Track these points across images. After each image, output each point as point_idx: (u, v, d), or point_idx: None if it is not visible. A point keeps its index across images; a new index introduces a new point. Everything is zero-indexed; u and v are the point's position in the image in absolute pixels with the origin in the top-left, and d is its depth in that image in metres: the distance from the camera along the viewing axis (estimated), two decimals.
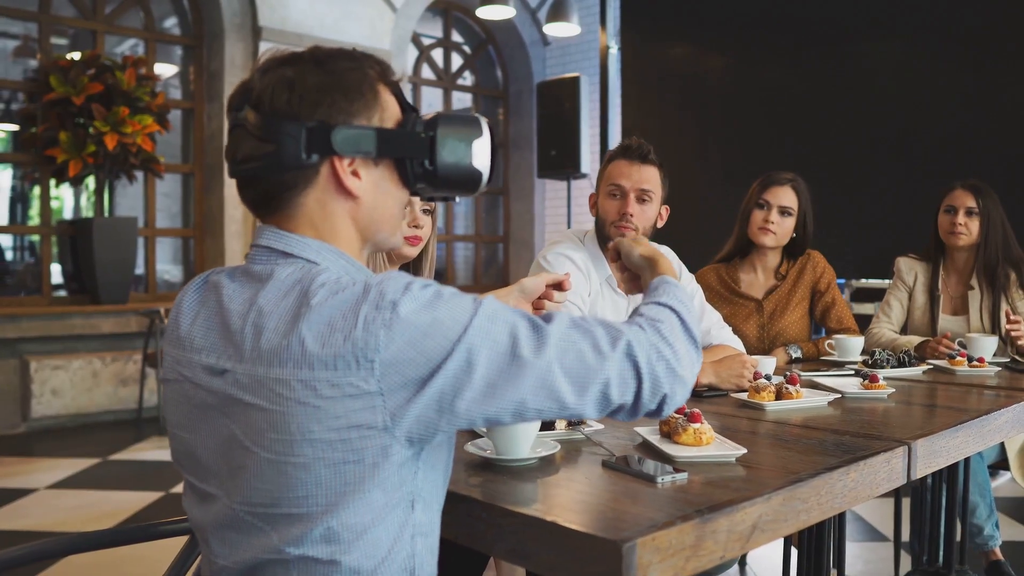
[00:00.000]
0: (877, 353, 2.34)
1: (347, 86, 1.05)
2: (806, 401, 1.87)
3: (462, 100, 8.63)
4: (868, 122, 4.85)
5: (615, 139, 6.23)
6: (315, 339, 0.93)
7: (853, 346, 2.51)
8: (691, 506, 1.13)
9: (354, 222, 1.09)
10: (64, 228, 6.06)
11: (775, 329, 2.77)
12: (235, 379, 0.97)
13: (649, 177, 2.25)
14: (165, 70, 7.06)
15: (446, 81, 8.19)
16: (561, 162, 6.60)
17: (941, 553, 2.58)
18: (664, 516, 1.08)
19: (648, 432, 1.52)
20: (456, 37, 8.31)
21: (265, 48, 6.28)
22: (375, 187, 1.09)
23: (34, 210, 5.99)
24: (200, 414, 1.02)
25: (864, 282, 5.11)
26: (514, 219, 8.68)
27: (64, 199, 6.95)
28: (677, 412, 1.48)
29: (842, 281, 4.94)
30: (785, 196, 2.74)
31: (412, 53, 7.87)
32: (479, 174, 1.13)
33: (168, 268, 7.14)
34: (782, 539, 3.00)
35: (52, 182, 5.87)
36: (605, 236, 2.28)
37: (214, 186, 6.46)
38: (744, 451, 1.38)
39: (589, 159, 6.57)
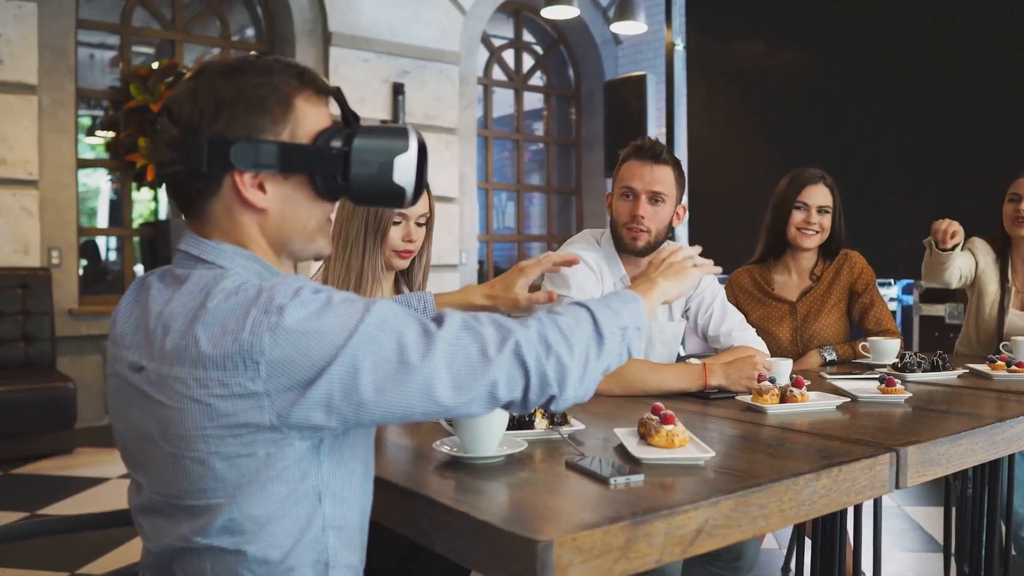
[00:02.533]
0: (907, 356, 2.25)
1: (251, 100, 1.05)
2: (811, 405, 1.81)
3: (534, 100, 8.65)
4: (942, 119, 4.66)
5: (681, 138, 6.13)
6: (208, 340, 0.97)
7: (888, 349, 2.42)
8: (631, 508, 1.12)
9: (262, 232, 1.10)
10: (146, 230, 6.33)
11: (809, 331, 2.69)
12: (147, 376, 1.02)
13: (662, 178, 2.21)
14: None
15: (517, 82, 8.22)
16: None
17: (982, 564, 2.45)
18: (595, 517, 1.08)
19: (625, 433, 1.50)
20: (527, 37, 8.33)
21: (335, 53, 6.48)
22: (284, 200, 1.09)
23: (129, 213, 6.27)
24: (127, 407, 1.06)
25: None
26: (587, 218, 8.65)
27: (161, 201, 7.24)
28: (653, 413, 1.46)
29: (909, 282, 4.75)
30: (820, 194, 2.66)
31: (483, 54, 7.92)
32: (400, 190, 1.11)
33: None
34: (791, 528, 2.93)
35: (133, 186, 6.14)
36: (619, 237, 2.26)
37: None
38: (712, 454, 1.35)
39: None
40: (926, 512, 3.75)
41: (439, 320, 1.04)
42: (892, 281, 5.59)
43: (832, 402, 1.83)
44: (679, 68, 6.04)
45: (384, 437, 1.57)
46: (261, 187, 1.08)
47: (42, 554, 3.22)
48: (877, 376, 2.00)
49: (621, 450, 1.44)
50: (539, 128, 8.98)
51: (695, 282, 1.45)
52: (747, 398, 1.85)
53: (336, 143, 1.10)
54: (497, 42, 8.09)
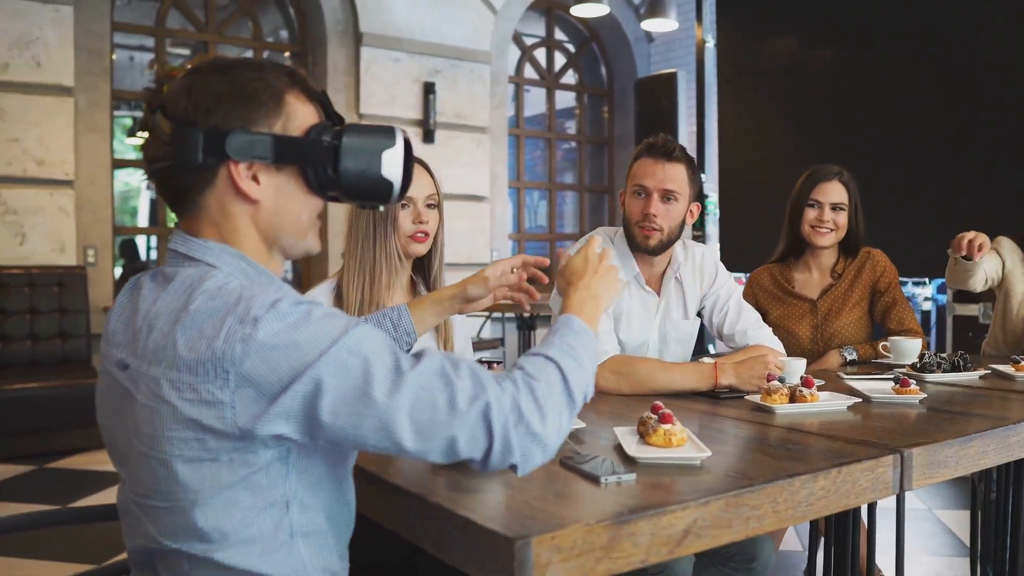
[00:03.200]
0: (927, 356, 2.20)
1: (246, 94, 1.08)
2: (821, 405, 1.78)
3: (566, 99, 8.63)
4: (976, 117, 4.56)
5: (712, 135, 6.08)
6: (185, 343, 0.99)
7: (909, 349, 2.37)
8: (618, 507, 1.11)
9: (255, 225, 1.13)
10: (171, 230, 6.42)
11: (830, 330, 2.65)
12: (130, 374, 1.04)
13: (674, 176, 2.19)
14: None
15: (549, 80, 8.21)
16: None
17: (1006, 568, 2.40)
18: (578, 515, 1.07)
19: (624, 432, 1.49)
20: (559, 35, 8.31)
21: (366, 53, 6.51)
22: (277, 192, 1.12)
23: (165, 212, 6.38)
24: (114, 403, 1.08)
25: None
26: (619, 217, 8.59)
27: None
28: (652, 411, 1.45)
29: (944, 280, 4.65)
30: (835, 191, 2.62)
31: (514, 53, 7.92)
32: (389, 184, 1.14)
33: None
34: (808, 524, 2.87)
35: None
36: (631, 236, 2.24)
37: None
38: (708, 454, 1.33)
39: None
40: (955, 515, 3.68)
41: (418, 357, 1.04)
42: (927, 280, 5.48)
43: (843, 403, 1.80)
44: (710, 65, 6.00)
45: None
46: (255, 179, 1.10)
47: (70, 545, 3.28)
48: (892, 376, 1.96)
49: (619, 449, 1.43)
50: (571, 127, 8.95)
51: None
52: (756, 398, 1.82)
53: (328, 138, 1.13)
54: (529, 41, 8.08)
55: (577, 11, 6.45)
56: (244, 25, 6.63)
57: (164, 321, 1.02)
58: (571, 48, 8.41)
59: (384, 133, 1.15)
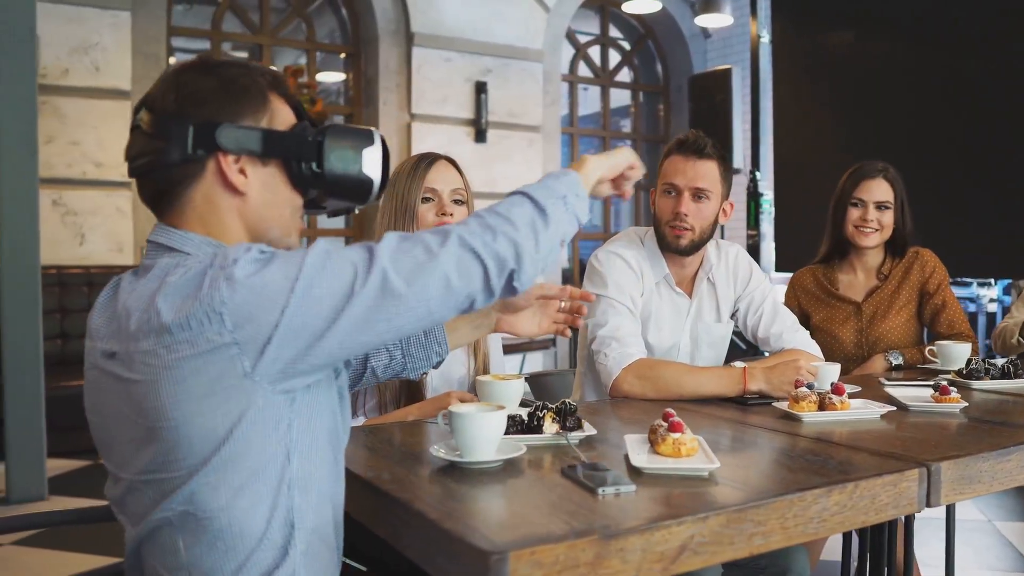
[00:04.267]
0: (974, 362, 2.08)
1: (234, 89, 1.11)
2: (853, 413, 1.70)
3: (621, 97, 8.53)
4: None
5: (767, 132, 5.93)
6: (168, 308, 1.00)
7: (957, 353, 2.25)
8: (610, 520, 1.06)
9: (241, 218, 1.14)
10: None
11: (875, 334, 2.53)
12: (120, 360, 1.04)
13: (705, 173, 2.12)
14: (334, 78, 7.46)
15: (604, 78, 8.12)
16: None
17: None
18: (565, 528, 1.02)
19: (635, 440, 1.43)
20: (614, 33, 8.21)
21: (418, 53, 6.53)
22: (263, 186, 1.14)
23: None
24: (103, 396, 1.09)
25: None
26: None
27: None
28: (663, 419, 1.39)
29: (1009, 281, 4.46)
30: (879, 189, 2.50)
31: (568, 51, 7.86)
32: (369, 181, 1.18)
33: None
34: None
35: None
36: (661, 235, 2.18)
37: None
38: (716, 465, 1.27)
39: (742, 154, 6.30)
40: (1017, 528, 3.51)
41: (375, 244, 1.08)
42: (992, 281, 5.26)
43: (877, 411, 1.71)
44: (765, 61, 5.85)
45: (387, 439, 1.55)
46: (242, 172, 1.13)
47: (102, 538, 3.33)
48: (932, 383, 1.86)
49: (628, 458, 1.38)
50: (627, 125, 8.86)
51: (626, 159, 1.32)
52: (784, 405, 1.74)
53: (310, 135, 1.16)
54: (583, 38, 8.01)
55: (629, 7, 6.37)
56: (298, 27, 6.70)
57: (142, 300, 1.03)
58: (626, 45, 8.31)
59: (363, 134, 1.19)
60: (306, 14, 6.64)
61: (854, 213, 2.52)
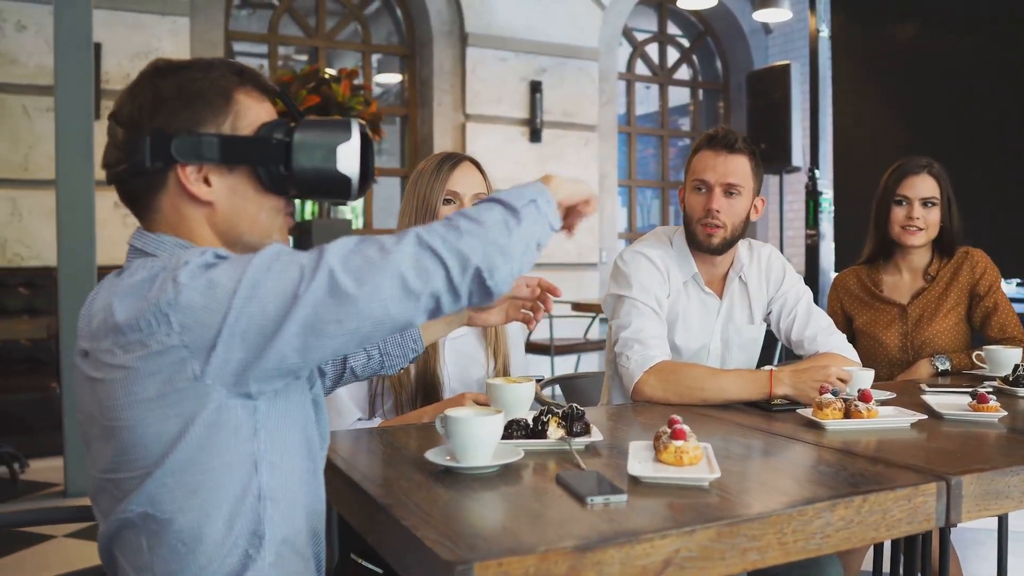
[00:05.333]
0: (1021, 368, 1.97)
1: (190, 94, 1.08)
2: (880, 422, 1.62)
3: (679, 95, 8.41)
4: None
5: (826, 130, 5.76)
6: (121, 308, 1.00)
7: (1005, 359, 2.14)
8: (592, 531, 1.02)
9: (211, 226, 1.12)
10: (291, 230, 6.61)
11: (921, 337, 2.42)
12: (89, 358, 1.05)
13: (736, 168, 2.05)
14: (391, 79, 7.51)
15: (662, 76, 8.01)
16: (771, 155, 6.21)
17: None
18: (538, 539, 0.98)
19: (639, 447, 1.38)
20: (672, 30, 8.09)
21: (472, 53, 6.53)
22: (231, 193, 1.11)
23: None
24: (80, 394, 1.09)
25: None
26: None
27: (306, 202, 7.57)
28: (668, 424, 1.34)
29: None
30: (924, 186, 2.39)
31: (625, 49, 7.77)
32: (346, 179, 1.12)
33: None
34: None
35: None
36: (692, 234, 2.11)
37: None
38: (717, 475, 1.22)
39: (801, 152, 6.14)
40: None
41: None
42: None
43: (907, 420, 1.63)
44: (824, 56, 5.69)
45: (391, 442, 1.53)
46: (207, 181, 1.10)
47: None
48: (970, 391, 1.76)
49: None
50: (685, 123, 8.72)
51: (586, 191, 1.21)
52: (809, 412, 1.67)
53: (279, 135, 1.11)
54: (640, 36, 7.91)
55: (686, 4, 6.27)
56: (353, 29, 6.76)
57: (104, 300, 1.03)
58: (685, 42, 8.18)
59: (338, 127, 1.12)
60: (362, 17, 6.70)
61: (899, 212, 2.42)
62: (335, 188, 1.12)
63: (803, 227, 5.76)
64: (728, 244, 2.10)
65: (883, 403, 1.79)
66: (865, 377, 1.84)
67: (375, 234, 5.27)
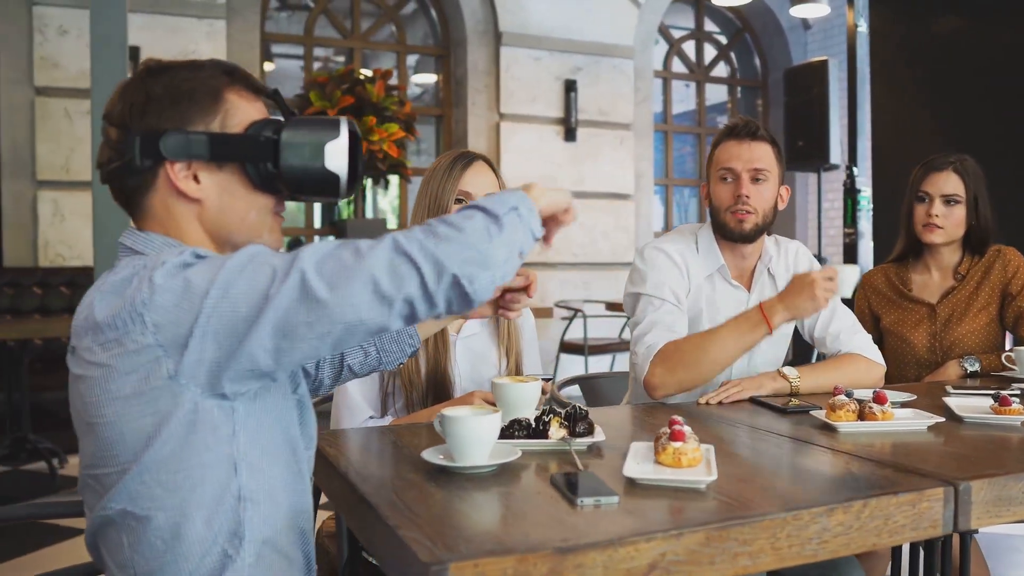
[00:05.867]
0: None
1: (178, 93, 1.09)
2: (896, 424, 1.57)
3: (717, 92, 8.32)
4: None
5: (865, 128, 5.65)
6: (102, 306, 1.02)
7: None
8: (577, 533, 1.00)
9: (201, 223, 1.13)
10: (326, 229, 6.68)
11: (951, 338, 2.36)
12: (75, 355, 1.07)
13: (762, 155, 2.04)
14: (428, 79, 7.55)
15: (699, 74, 7.93)
16: (809, 153, 6.12)
17: None
18: (521, 541, 0.97)
19: (639, 448, 1.36)
20: (709, 26, 8.01)
21: (506, 53, 6.53)
22: (220, 190, 1.12)
23: (311, 213, 6.67)
24: (71, 391, 1.10)
25: None
26: (791, 210, 8.21)
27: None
28: (669, 425, 1.31)
29: None
30: (947, 183, 2.33)
31: (662, 47, 7.71)
32: (334, 176, 1.12)
33: None
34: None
35: None
36: (721, 225, 2.08)
37: None
38: (713, 478, 1.19)
39: (840, 149, 6.03)
40: None
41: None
42: None
43: (924, 422, 1.58)
44: (863, 52, 5.58)
45: (394, 441, 1.52)
46: (196, 178, 1.11)
47: None
48: (992, 393, 1.71)
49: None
50: (723, 121, 8.62)
51: (567, 199, 1.20)
52: (821, 414, 1.63)
53: (268, 133, 1.12)
54: (677, 33, 7.84)
55: (721, 0, 6.18)
56: (388, 30, 6.80)
57: (87, 299, 1.05)
58: (722, 39, 8.09)
59: (327, 125, 1.13)
60: (397, 18, 6.73)
61: (920, 209, 2.37)
62: (323, 186, 1.13)
63: (841, 225, 5.66)
64: (760, 231, 2.07)
65: (903, 404, 1.75)
66: (850, 274, 1.85)
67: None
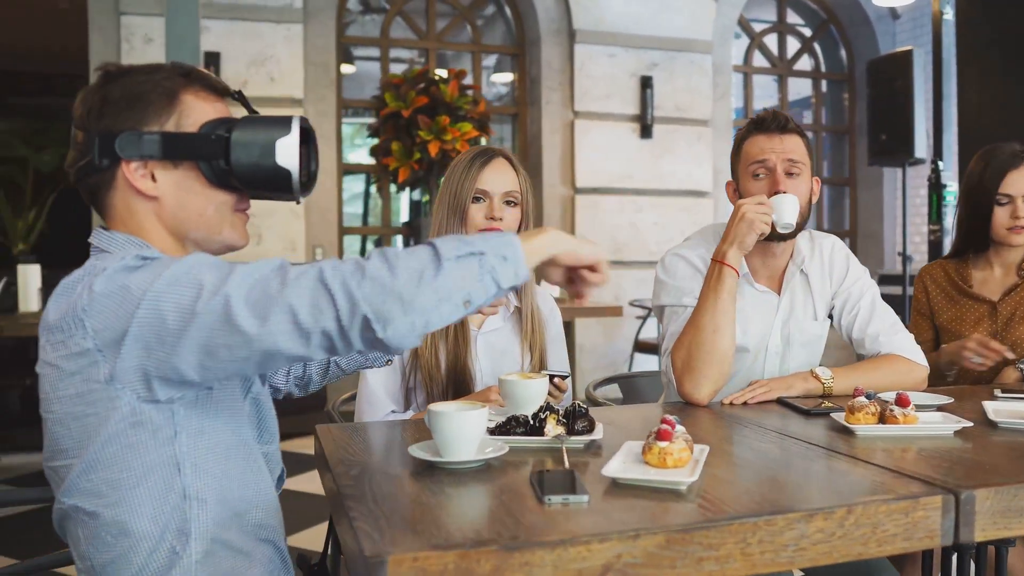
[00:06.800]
0: None
1: (132, 95, 1.13)
2: (918, 428, 1.49)
3: (801, 87, 8.07)
4: None
5: (951, 120, 5.40)
6: (54, 307, 1.06)
7: None
8: (532, 531, 0.98)
9: (160, 220, 1.16)
10: (403, 229, 6.77)
11: (1012, 337, 2.22)
12: (39, 351, 1.11)
13: (794, 147, 1.96)
14: (506, 79, 7.57)
15: (781, 67, 7.71)
16: (892, 147, 5.87)
17: None
18: (471, 536, 0.96)
19: (632, 447, 1.33)
20: (792, 19, 7.77)
21: (580, 50, 6.49)
22: (177, 188, 1.15)
23: (388, 212, 6.77)
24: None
25: None
26: (861, 211, 7.92)
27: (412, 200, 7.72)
28: (664, 421, 1.28)
29: None
30: None
31: (742, 41, 7.53)
32: (286, 172, 1.14)
33: None
34: None
35: (392, 188, 6.58)
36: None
37: (535, 187, 6.75)
38: (693, 480, 1.15)
39: (925, 143, 5.77)
40: None
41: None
42: None
43: (950, 426, 1.50)
44: (948, 40, 5.33)
45: (397, 435, 1.53)
46: (153, 177, 1.15)
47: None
48: None
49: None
50: (807, 116, 8.36)
51: (593, 253, 1.16)
52: (841, 417, 1.56)
53: (220, 131, 1.15)
54: (758, 26, 7.64)
55: None
56: (463, 30, 6.85)
57: (50, 299, 1.09)
58: (806, 32, 7.85)
59: (278, 123, 1.16)
60: (471, 17, 6.77)
61: (1002, 212, 2.22)
62: (275, 182, 1.16)
63: (926, 221, 5.42)
64: (799, 228, 1.99)
65: (939, 408, 1.67)
66: (785, 201, 1.87)
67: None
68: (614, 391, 2.57)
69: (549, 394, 1.72)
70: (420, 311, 0.98)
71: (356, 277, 0.97)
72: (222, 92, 1.19)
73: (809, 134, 8.15)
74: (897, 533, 1.10)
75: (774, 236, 1.96)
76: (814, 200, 2.01)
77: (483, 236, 1.06)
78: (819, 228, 7.92)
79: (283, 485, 1.33)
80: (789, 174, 1.96)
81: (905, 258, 5.56)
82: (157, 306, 1.00)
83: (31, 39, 8.25)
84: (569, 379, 1.83)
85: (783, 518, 1.05)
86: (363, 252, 7.76)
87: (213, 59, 5.61)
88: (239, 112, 1.21)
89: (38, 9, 7.37)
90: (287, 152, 1.14)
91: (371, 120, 6.56)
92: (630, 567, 0.98)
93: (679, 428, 1.27)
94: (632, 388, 2.46)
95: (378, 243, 7.51)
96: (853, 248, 7.93)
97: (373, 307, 0.97)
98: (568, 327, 6.73)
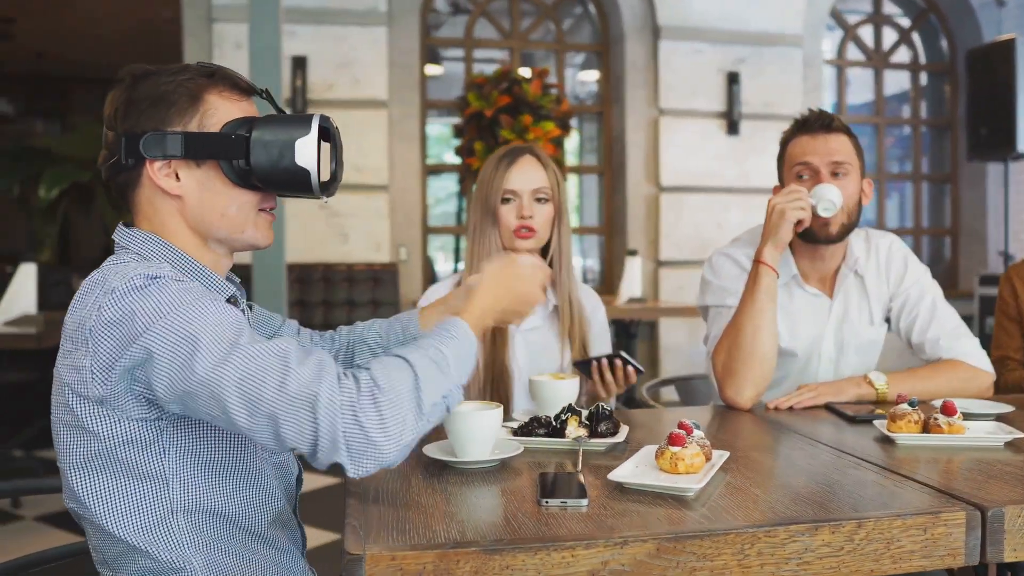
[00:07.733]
0: None
1: (156, 96, 1.15)
2: (964, 439, 1.41)
3: (898, 80, 7.74)
4: None
5: None
6: (71, 314, 1.09)
7: None
8: (523, 534, 0.97)
9: (183, 219, 1.18)
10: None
11: None
12: None
13: (840, 147, 1.88)
14: (592, 77, 7.53)
15: (877, 60, 7.41)
16: (993, 141, 5.59)
17: None
18: (457, 538, 0.96)
19: (648, 451, 1.30)
20: (889, 9, 7.46)
21: (665, 47, 6.40)
22: (199, 187, 1.17)
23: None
24: None
25: None
26: (964, 209, 7.54)
27: None
28: (681, 426, 1.25)
29: None
30: None
31: (835, 34, 7.27)
32: (304, 172, 1.16)
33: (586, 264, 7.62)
34: None
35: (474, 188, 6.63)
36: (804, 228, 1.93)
37: (619, 185, 6.70)
38: (700, 486, 1.12)
39: None
40: None
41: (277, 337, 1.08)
42: None
43: (1001, 437, 1.41)
44: None
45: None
46: (176, 176, 1.17)
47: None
48: None
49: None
50: (906, 110, 8.02)
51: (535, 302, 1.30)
52: (883, 426, 1.49)
53: (241, 131, 1.16)
54: (852, 18, 7.37)
55: None
56: (547, 28, 6.84)
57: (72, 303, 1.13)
58: (904, 22, 7.52)
59: (297, 122, 1.17)
60: (554, 15, 6.76)
61: None
62: (295, 182, 1.17)
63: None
64: (847, 230, 1.91)
65: (997, 417, 1.57)
66: (825, 191, 1.82)
67: (574, 231, 5.15)
68: (671, 393, 2.52)
69: (616, 383, 1.77)
70: (389, 462, 1.02)
71: (345, 421, 0.99)
72: (248, 91, 1.21)
73: (907, 129, 7.84)
74: (915, 550, 1.05)
75: (820, 234, 1.88)
76: (865, 202, 1.93)
77: (456, 354, 1.12)
78: (918, 227, 7.61)
79: (302, 487, 1.34)
80: (835, 175, 1.88)
81: (1007, 257, 5.28)
82: (152, 351, 1.02)
83: (129, 47, 8.62)
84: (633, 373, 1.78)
85: (784, 530, 1.01)
86: (456, 252, 7.77)
87: (300, 63, 5.76)
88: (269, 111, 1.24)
89: (136, 18, 7.73)
90: (306, 151, 1.16)
91: (457, 120, 6.63)
92: (617, 575, 0.96)
93: (696, 433, 1.24)
94: (689, 390, 2.41)
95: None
96: (954, 248, 7.58)
97: (351, 454, 1.00)
98: (652, 328, 6.65)
